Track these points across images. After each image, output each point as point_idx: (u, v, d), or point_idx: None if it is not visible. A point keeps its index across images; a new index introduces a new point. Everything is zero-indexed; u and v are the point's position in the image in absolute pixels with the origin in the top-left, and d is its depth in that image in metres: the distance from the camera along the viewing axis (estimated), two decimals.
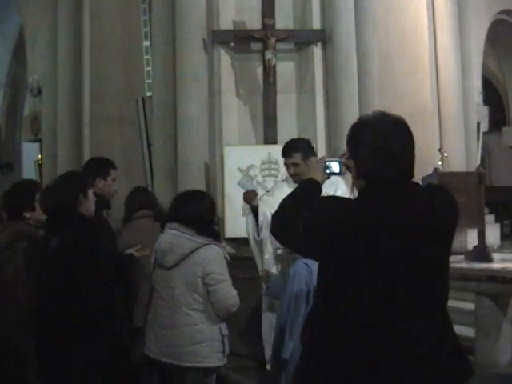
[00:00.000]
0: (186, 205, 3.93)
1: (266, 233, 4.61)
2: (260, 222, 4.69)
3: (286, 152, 4.56)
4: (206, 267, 3.75)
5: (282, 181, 4.99)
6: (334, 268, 2.11)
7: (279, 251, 4.57)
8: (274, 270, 4.66)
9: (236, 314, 4.20)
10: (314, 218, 2.15)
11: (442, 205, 2.14)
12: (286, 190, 4.46)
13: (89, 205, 3.58)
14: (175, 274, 3.80)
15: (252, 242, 4.83)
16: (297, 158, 4.47)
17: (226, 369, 5.48)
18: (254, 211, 4.74)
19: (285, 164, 4.62)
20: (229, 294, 3.81)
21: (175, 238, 3.82)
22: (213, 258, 3.79)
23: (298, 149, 4.50)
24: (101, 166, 4.60)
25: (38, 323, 3.43)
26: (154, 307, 3.90)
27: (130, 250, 4.27)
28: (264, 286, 4.76)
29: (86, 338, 3.28)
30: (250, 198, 4.71)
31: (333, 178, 4.53)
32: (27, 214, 3.84)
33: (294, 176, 4.51)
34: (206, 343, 3.78)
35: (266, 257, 4.68)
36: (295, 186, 4.41)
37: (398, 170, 2.10)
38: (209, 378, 3.90)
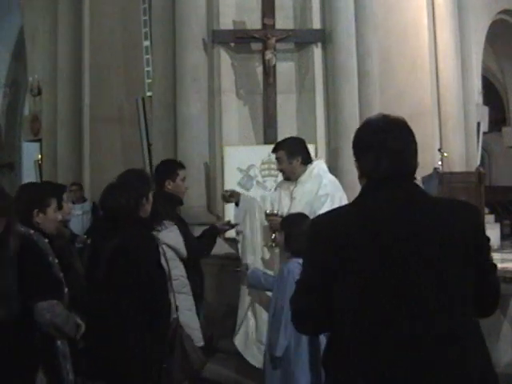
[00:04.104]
0: None
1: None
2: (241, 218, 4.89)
3: (274, 148, 4.92)
4: None
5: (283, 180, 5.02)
6: (342, 275, 2.08)
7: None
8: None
9: (233, 313, 4.24)
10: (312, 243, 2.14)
11: (452, 216, 2.10)
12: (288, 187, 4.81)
13: (148, 207, 3.66)
14: None
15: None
16: (280, 154, 4.77)
17: (225, 368, 5.50)
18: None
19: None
20: None
21: None
22: None
23: (283, 146, 4.81)
24: (168, 169, 4.83)
25: (95, 323, 3.37)
26: None
27: None
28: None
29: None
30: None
31: (315, 172, 4.82)
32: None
33: (281, 172, 4.86)
34: None
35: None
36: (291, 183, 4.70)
37: (397, 168, 2.11)
38: None
